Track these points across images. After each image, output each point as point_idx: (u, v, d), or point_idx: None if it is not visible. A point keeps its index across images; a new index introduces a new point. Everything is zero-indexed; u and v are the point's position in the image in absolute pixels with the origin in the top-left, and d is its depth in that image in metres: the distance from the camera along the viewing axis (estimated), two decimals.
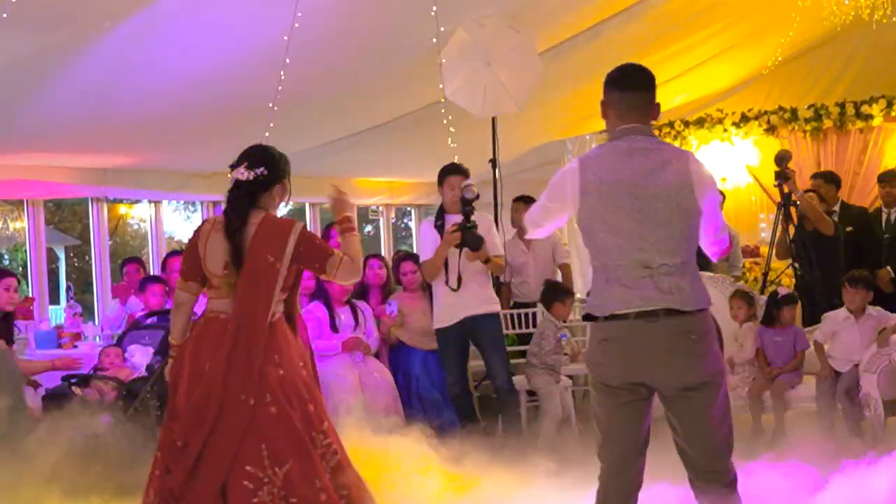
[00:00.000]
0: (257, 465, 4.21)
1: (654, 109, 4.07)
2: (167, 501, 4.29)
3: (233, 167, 4.54)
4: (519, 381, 7.50)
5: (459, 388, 7.08)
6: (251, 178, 4.47)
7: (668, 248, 3.85)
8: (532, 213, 4.25)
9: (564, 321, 7.84)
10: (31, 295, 10.03)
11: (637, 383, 3.90)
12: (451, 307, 6.99)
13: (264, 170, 4.49)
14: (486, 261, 6.81)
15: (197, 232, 4.61)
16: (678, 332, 3.84)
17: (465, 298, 6.92)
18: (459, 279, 6.88)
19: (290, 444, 4.26)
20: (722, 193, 4.00)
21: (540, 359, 7.55)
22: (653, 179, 3.87)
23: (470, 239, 6.69)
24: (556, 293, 7.90)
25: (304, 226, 4.49)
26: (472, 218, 6.84)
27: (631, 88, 4.04)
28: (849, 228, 9.04)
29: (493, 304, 7.08)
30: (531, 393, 7.76)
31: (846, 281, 7.36)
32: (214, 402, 4.26)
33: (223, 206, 4.56)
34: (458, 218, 6.88)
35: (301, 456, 4.26)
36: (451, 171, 7.12)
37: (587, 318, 4.03)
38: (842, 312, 7.27)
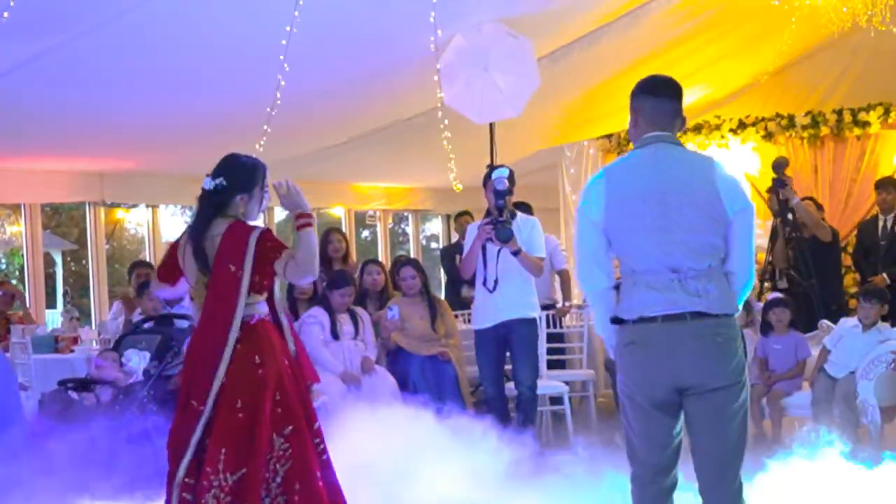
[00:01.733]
0: (213, 468, 4.26)
1: (681, 121, 4.09)
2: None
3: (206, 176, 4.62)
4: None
5: (493, 389, 7.00)
6: (210, 188, 4.52)
7: (694, 254, 3.87)
8: (583, 256, 4.17)
9: None
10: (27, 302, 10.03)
11: (666, 387, 3.92)
12: (487, 309, 6.94)
13: (223, 180, 4.51)
14: (517, 253, 6.72)
15: (176, 243, 4.69)
16: (704, 334, 3.86)
17: (501, 302, 6.82)
18: (496, 281, 6.83)
19: (250, 452, 4.29)
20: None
21: None
22: (680, 187, 3.89)
23: (499, 230, 6.64)
24: None
25: (266, 229, 4.53)
26: (514, 217, 6.79)
27: (663, 97, 4.06)
28: None
29: (529, 310, 6.93)
30: (554, 400, 7.78)
31: (860, 295, 7.38)
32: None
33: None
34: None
35: (258, 464, 4.29)
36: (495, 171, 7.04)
37: (615, 320, 4.03)
38: (852, 320, 7.29)
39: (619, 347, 4.05)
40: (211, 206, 4.52)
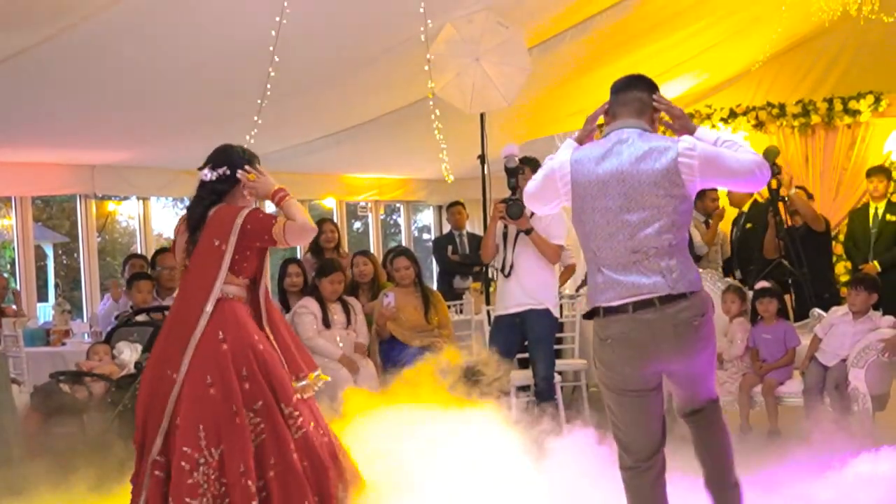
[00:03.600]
0: (194, 446, 4.29)
1: (649, 109, 4.16)
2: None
3: (200, 169, 4.66)
4: None
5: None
6: (213, 177, 4.59)
7: (655, 232, 3.92)
8: (548, 221, 4.34)
9: None
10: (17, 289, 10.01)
11: (650, 374, 3.99)
12: (503, 295, 6.93)
13: (226, 169, 4.58)
14: (528, 232, 6.68)
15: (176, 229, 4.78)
16: (680, 319, 3.91)
17: (516, 288, 6.80)
18: (511, 266, 6.81)
19: (225, 425, 4.33)
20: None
21: None
22: (638, 167, 3.95)
23: (510, 207, 6.62)
24: None
25: (255, 208, 4.59)
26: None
27: (622, 90, 4.20)
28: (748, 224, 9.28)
29: (544, 299, 6.85)
30: None
31: (850, 283, 7.40)
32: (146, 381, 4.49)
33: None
34: None
35: (233, 438, 4.32)
36: (525, 163, 6.99)
37: (588, 315, 4.07)
38: (842, 308, 7.31)
39: (595, 342, 4.09)
40: (214, 193, 4.58)
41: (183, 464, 4.27)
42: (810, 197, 9.41)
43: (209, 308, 4.42)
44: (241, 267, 4.54)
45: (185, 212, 4.78)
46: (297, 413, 4.48)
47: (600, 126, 4.35)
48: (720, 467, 4.21)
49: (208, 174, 4.59)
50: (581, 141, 4.28)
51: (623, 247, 3.94)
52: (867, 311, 7.17)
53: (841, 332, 7.13)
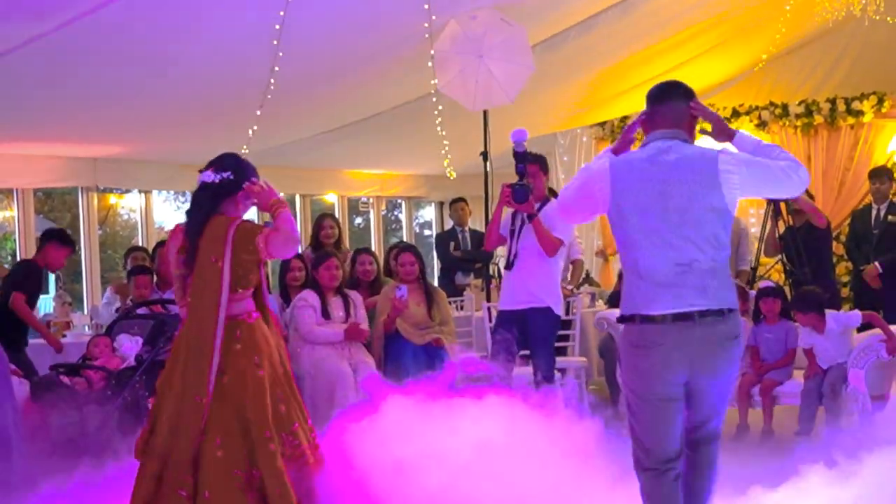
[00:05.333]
0: (226, 469, 4.32)
1: (687, 117, 4.14)
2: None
3: (202, 171, 4.61)
4: None
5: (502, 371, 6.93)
6: (217, 180, 4.53)
7: (697, 246, 3.93)
8: (553, 213, 4.32)
9: None
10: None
11: (677, 383, 4.00)
12: (505, 289, 6.86)
13: (231, 174, 4.54)
14: (531, 217, 6.62)
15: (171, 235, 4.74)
16: (715, 336, 3.94)
17: (518, 283, 6.72)
18: (515, 256, 6.75)
19: (260, 449, 4.35)
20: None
21: None
22: (679, 178, 3.95)
23: (516, 190, 6.56)
24: None
25: (243, 220, 4.55)
26: (547, 202, 6.70)
27: (659, 99, 4.17)
28: None
29: (545, 296, 6.73)
30: None
31: (794, 309, 7.37)
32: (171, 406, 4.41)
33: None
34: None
35: (266, 462, 4.34)
36: (533, 160, 6.92)
37: (621, 319, 4.08)
38: (806, 329, 7.27)
39: (626, 347, 4.10)
40: (215, 197, 4.53)
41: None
42: (811, 197, 9.41)
43: (220, 328, 4.37)
44: (248, 279, 4.50)
45: (185, 208, 4.74)
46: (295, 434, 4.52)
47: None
48: None
49: (211, 176, 4.53)
50: (617, 151, 4.23)
51: (664, 258, 3.94)
52: (823, 323, 7.14)
53: (822, 347, 7.14)
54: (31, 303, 7.85)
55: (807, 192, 9.19)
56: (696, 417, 4.13)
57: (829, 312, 7.23)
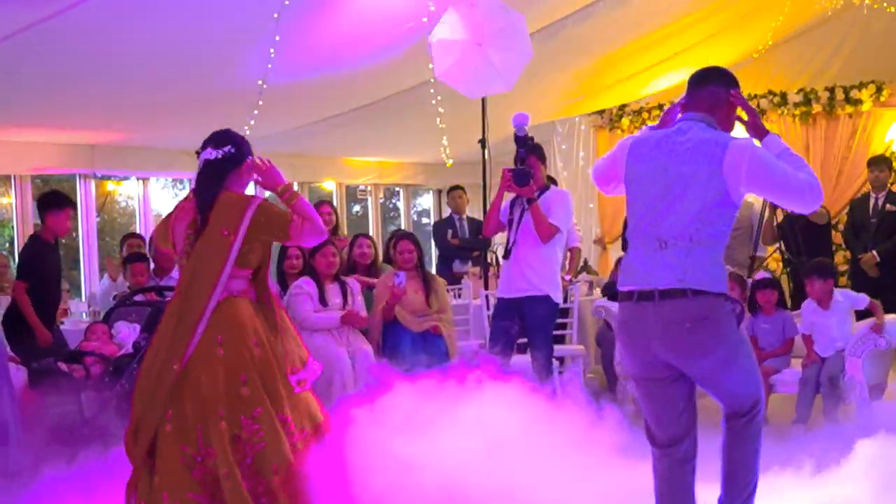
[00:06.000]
0: (211, 450, 4.29)
1: (724, 105, 4.13)
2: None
3: (199, 152, 4.60)
4: None
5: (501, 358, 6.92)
6: (219, 156, 4.52)
7: (681, 222, 3.92)
8: (598, 163, 4.40)
9: None
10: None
11: (653, 364, 3.99)
12: (504, 277, 6.87)
13: (231, 147, 4.53)
14: (530, 201, 6.60)
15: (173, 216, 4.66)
16: (676, 316, 3.88)
17: (515, 271, 6.72)
18: (514, 243, 6.69)
19: (212, 426, 4.31)
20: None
21: None
22: (685, 157, 3.96)
23: (516, 173, 6.55)
24: None
25: (265, 199, 4.54)
26: (547, 190, 6.72)
27: (698, 83, 4.20)
28: None
29: (543, 284, 6.69)
30: None
31: (804, 276, 7.36)
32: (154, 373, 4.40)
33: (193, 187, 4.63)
34: None
35: (216, 441, 4.30)
36: (531, 151, 6.89)
37: (613, 297, 4.14)
38: (811, 304, 7.28)
39: (616, 324, 4.13)
40: (217, 175, 4.51)
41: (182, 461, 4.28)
42: None
43: (214, 300, 4.36)
44: (248, 259, 4.48)
45: (184, 195, 4.71)
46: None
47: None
48: (730, 485, 4.12)
49: (213, 153, 4.52)
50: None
51: (649, 234, 3.97)
52: (830, 297, 7.15)
53: (823, 325, 7.14)
54: (54, 282, 7.61)
55: None
56: (712, 395, 4.12)
57: (837, 289, 7.27)
